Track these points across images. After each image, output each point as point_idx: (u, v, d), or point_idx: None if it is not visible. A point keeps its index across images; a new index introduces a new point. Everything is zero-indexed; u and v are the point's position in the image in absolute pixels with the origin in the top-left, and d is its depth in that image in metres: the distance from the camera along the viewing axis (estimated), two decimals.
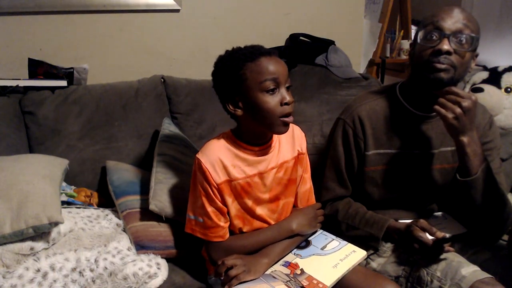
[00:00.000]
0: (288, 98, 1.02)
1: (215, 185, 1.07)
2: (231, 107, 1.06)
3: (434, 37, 1.09)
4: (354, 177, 1.29)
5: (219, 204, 1.08)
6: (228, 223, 1.12)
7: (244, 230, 1.15)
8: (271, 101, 1.01)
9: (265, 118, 1.03)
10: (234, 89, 1.04)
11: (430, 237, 1.09)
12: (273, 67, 1.01)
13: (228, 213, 1.11)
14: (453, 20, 1.08)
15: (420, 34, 1.13)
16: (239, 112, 1.06)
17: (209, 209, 1.08)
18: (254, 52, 1.02)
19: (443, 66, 1.08)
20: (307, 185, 1.24)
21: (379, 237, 1.18)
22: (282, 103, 1.02)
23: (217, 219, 1.09)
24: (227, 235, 1.12)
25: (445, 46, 1.07)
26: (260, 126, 1.06)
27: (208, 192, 1.07)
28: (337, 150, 1.29)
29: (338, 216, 1.27)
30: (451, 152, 1.23)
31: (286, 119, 1.03)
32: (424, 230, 1.10)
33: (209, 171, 1.05)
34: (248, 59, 1.02)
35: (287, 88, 1.05)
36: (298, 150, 1.19)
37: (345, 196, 1.31)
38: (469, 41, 1.09)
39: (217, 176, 1.07)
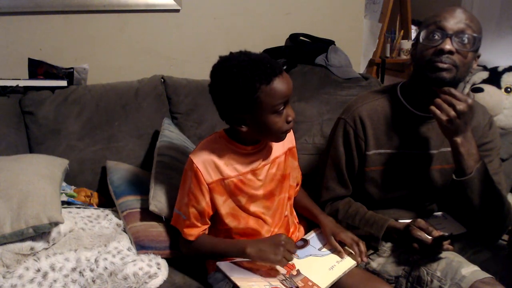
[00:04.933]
0: (292, 115, 1.07)
1: (205, 185, 1.09)
2: (235, 124, 1.07)
3: (437, 37, 1.09)
4: (355, 177, 1.30)
5: (203, 206, 1.10)
6: (207, 225, 1.16)
7: (240, 227, 1.16)
8: (279, 120, 1.05)
9: (270, 135, 1.08)
10: (244, 109, 1.03)
11: (429, 236, 1.09)
12: (285, 88, 1.03)
13: (218, 213, 1.13)
14: (456, 20, 1.09)
15: (422, 34, 1.13)
16: (244, 129, 1.06)
17: (191, 209, 1.11)
18: (268, 74, 1.00)
19: (445, 66, 1.08)
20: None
21: (379, 237, 1.18)
22: (287, 121, 1.07)
23: (195, 219, 1.12)
24: (200, 236, 1.15)
25: (448, 45, 1.07)
26: (262, 137, 1.12)
27: (194, 193, 1.09)
28: (337, 150, 1.29)
29: (338, 215, 1.27)
30: (451, 153, 1.23)
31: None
32: (422, 229, 1.10)
33: (200, 171, 1.08)
34: (263, 82, 1.00)
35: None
36: (288, 146, 1.23)
37: (345, 196, 1.31)
38: (471, 41, 1.09)
39: (209, 176, 1.09)
